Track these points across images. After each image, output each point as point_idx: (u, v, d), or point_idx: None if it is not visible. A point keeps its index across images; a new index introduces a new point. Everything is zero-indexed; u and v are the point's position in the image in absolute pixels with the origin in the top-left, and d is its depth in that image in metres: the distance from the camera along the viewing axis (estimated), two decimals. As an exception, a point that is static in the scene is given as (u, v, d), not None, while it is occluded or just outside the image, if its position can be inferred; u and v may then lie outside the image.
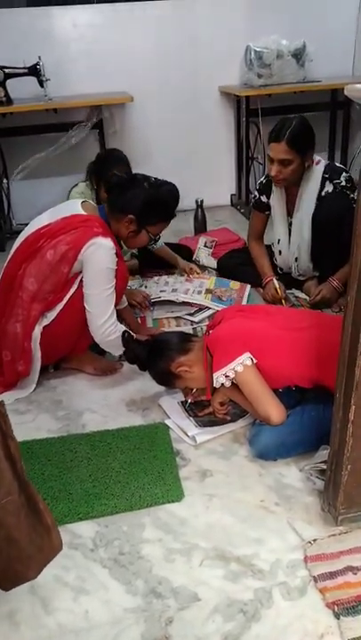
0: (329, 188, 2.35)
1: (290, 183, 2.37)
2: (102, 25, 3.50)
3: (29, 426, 1.83)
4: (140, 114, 3.71)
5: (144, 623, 1.17)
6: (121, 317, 2.27)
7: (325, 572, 1.25)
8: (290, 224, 2.50)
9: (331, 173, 2.35)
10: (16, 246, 1.96)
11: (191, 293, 2.58)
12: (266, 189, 2.54)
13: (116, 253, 1.90)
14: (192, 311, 2.51)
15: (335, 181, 2.34)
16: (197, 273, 2.77)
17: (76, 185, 2.75)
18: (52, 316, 1.90)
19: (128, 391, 1.99)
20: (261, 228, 2.68)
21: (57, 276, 1.86)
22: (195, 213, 3.43)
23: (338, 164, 2.52)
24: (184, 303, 2.54)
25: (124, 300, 2.21)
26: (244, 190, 3.97)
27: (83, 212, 1.94)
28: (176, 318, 2.49)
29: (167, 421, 1.80)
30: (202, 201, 3.40)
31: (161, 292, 2.62)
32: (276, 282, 2.52)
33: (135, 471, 1.59)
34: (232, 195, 4.14)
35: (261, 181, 2.58)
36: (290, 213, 2.48)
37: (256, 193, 2.61)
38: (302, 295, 2.58)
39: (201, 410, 1.82)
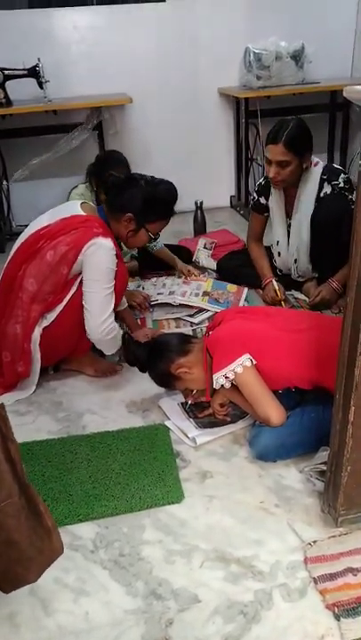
0: (327, 189, 2.35)
1: (288, 184, 2.38)
2: (102, 26, 3.50)
3: (29, 427, 1.83)
4: (140, 115, 3.71)
5: (144, 625, 1.17)
6: (121, 318, 2.28)
7: (325, 573, 1.25)
8: (289, 225, 2.50)
9: (329, 175, 2.35)
10: (16, 247, 1.96)
11: (188, 296, 2.58)
12: (265, 191, 2.54)
13: (116, 254, 1.90)
14: (192, 312, 2.52)
15: (333, 183, 2.34)
16: (195, 275, 2.77)
17: (76, 187, 2.75)
18: (51, 317, 1.91)
19: (128, 393, 1.99)
20: (260, 230, 2.69)
21: (57, 276, 1.86)
22: (194, 215, 3.44)
23: (336, 166, 2.53)
24: (182, 305, 2.55)
25: (124, 301, 2.21)
26: (243, 192, 3.98)
27: (82, 213, 1.94)
28: (176, 319, 2.49)
29: (167, 423, 1.80)
30: (201, 202, 3.40)
31: (158, 294, 2.62)
32: (275, 283, 2.52)
33: (135, 472, 1.59)
34: (231, 196, 4.15)
35: (260, 183, 2.58)
36: (289, 215, 2.49)
37: (255, 195, 2.61)
38: (302, 296, 2.58)
39: (201, 411, 1.82)
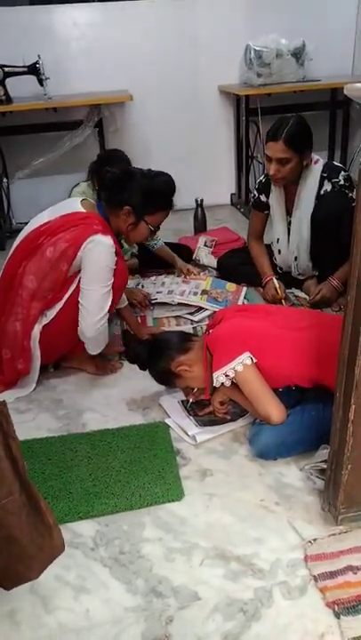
0: (328, 186, 2.35)
1: (288, 182, 2.37)
2: (102, 23, 3.50)
3: (30, 425, 1.83)
4: (140, 112, 3.71)
5: (144, 622, 1.18)
6: (121, 316, 2.28)
7: (326, 571, 1.25)
8: (289, 223, 2.50)
9: (329, 172, 2.35)
10: (16, 244, 1.96)
11: (187, 295, 2.58)
12: (265, 188, 2.54)
13: (116, 252, 1.90)
14: (192, 310, 2.51)
15: (334, 180, 2.33)
16: (194, 274, 2.77)
17: (78, 184, 2.74)
18: (51, 314, 1.91)
19: (128, 390, 1.99)
20: (261, 228, 2.68)
21: (56, 273, 1.86)
22: (194, 213, 3.43)
23: (337, 163, 2.52)
24: (181, 304, 2.55)
25: (124, 298, 2.20)
26: (243, 189, 3.97)
27: (82, 210, 1.94)
28: (176, 317, 2.49)
29: (167, 420, 1.80)
30: (202, 200, 3.40)
31: (158, 293, 2.62)
32: (275, 281, 2.52)
33: (135, 470, 1.59)
34: (232, 194, 4.14)
35: (260, 181, 2.58)
36: (289, 212, 2.48)
37: (255, 192, 2.61)
38: (302, 294, 2.58)
39: (201, 409, 1.82)
